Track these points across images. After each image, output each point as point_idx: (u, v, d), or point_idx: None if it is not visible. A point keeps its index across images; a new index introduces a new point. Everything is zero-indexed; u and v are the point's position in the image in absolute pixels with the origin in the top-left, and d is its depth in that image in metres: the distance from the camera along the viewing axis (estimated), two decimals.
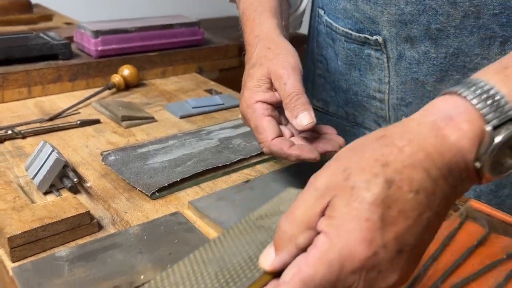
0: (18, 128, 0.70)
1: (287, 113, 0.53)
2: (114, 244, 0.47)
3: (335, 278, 0.31)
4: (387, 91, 0.70)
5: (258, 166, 0.65)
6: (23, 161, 0.63)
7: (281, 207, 0.42)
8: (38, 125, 0.74)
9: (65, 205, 0.49)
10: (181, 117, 0.80)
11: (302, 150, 0.51)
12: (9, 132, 0.69)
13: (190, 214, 0.53)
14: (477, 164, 0.33)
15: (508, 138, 0.32)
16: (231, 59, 1.10)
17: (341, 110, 0.80)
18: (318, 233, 0.32)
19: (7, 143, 0.68)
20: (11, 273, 0.43)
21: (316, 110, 0.82)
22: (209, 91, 0.94)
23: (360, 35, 0.69)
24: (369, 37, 0.68)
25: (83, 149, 0.67)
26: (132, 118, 0.76)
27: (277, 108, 0.55)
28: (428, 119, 0.34)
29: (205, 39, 1.07)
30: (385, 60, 0.68)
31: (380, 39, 0.67)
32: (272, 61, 0.55)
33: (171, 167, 0.61)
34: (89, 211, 0.48)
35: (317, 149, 0.52)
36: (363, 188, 0.31)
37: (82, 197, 0.55)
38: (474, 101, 0.33)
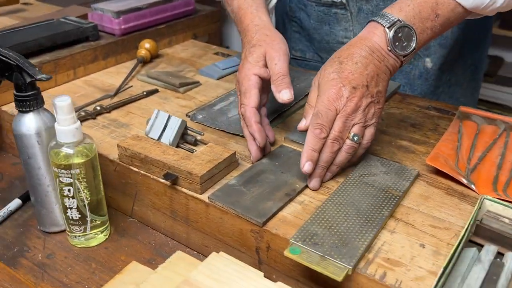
0: (103, 103, 0.82)
1: (273, 87, 0.68)
2: (261, 170, 0.65)
3: (328, 105, 0.61)
4: (352, 36, 0.95)
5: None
6: (128, 130, 0.76)
7: (371, 169, 0.66)
8: (109, 100, 0.85)
9: (215, 151, 0.65)
10: (218, 78, 0.96)
11: (260, 132, 0.65)
12: (98, 108, 0.80)
13: (288, 145, 0.73)
14: (389, 47, 0.63)
15: (396, 30, 0.62)
16: (216, 23, 1.25)
17: (316, 56, 1.03)
18: None
19: (99, 118, 0.80)
20: (206, 200, 0.60)
21: (295, 59, 1.06)
22: (217, 54, 1.10)
23: (328, 0, 0.93)
24: (336, 0, 0.92)
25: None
26: (186, 84, 0.90)
27: (266, 84, 0.70)
28: (358, 36, 0.65)
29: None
30: (348, 15, 0.93)
31: (344, 0, 0.91)
32: (269, 44, 0.70)
33: None
34: (235, 152, 0.66)
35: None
36: (327, 69, 0.63)
37: (203, 146, 0.71)
38: (377, 19, 0.64)
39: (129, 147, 0.66)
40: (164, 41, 1.11)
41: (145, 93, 0.87)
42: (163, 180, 0.63)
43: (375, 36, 0.63)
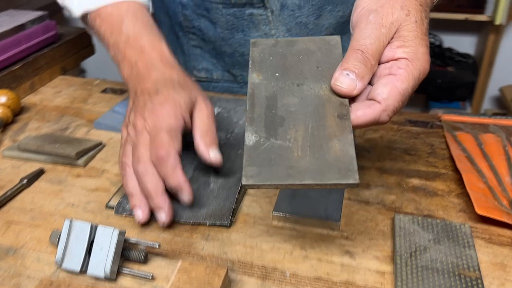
0: None
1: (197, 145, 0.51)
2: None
3: (413, 86, 0.43)
4: None
5: None
6: (21, 260, 0.46)
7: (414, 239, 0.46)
8: None
9: (196, 277, 0.40)
10: None
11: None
12: None
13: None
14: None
15: None
16: (88, 48, 0.94)
17: (227, 74, 0.81)
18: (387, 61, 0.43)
19: None
20: None
21: (199, 81, 0.83)
22: (105, 91, 0.80)
23: None
24: None
25: (71, 210, 0.52)
26: (85, 151, 0.61)
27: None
28: None
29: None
30: (269, 14, 0.72)
31: None
32: (192, 89, 0.54)
33: (203, 186, 0.54)
34: (227, 269, 0.41)
35: None
36: (420, 24, 0.44)
37: (160, 261, 0.45)
38: None
39: None
40: (25, 87, 0.78)
41: (25, 180, 0.56)
42: None
43: None
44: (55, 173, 0.59)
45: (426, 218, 0.50)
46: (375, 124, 0.42)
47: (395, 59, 0.42)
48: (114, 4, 0.60)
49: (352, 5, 0.73)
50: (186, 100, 0.51)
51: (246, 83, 0.80)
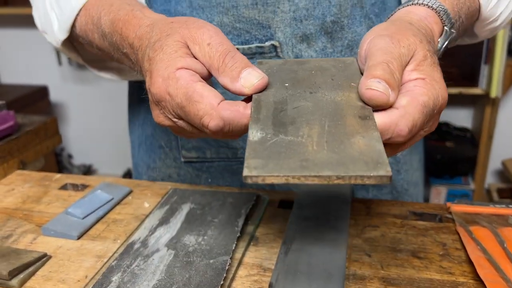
0: None
1: (223, 79, 0.42)
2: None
3: (434, 105, 0.40)
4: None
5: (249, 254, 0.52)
6: None
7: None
8: None
9: None
10: (80, 237, 0.57)
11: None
12: None
13: None
14: (439, 45, 0.49)
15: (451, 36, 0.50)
16: (53, 138, 0.86)
17: (223, 151, 0.71)
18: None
19: None
20: None
21: (190, 162, 0.73)
22: (65, 187, 0.71)
23: (250, 46, 0.62)
24: (262, 44, 0.62)
25: None
26: (23, 268, 0.50)
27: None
28: (418, 17, 0.48)
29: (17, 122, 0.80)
30: None
31: (276, 43, 0.62)
32: (181, 27, 0.44)
33: None
34: None
35: None
36: (433, 54, 0.43)
37: None
38: (440, 12, 0.49)
39: None
40: None
41: None
42: None
43: (436, 34, 0.48)
44: None
45: None
46: (390, 136, 0.38)
47: (411, 80, 0.41)
48: None
49: None
50: (171, 48, 0.44)
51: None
